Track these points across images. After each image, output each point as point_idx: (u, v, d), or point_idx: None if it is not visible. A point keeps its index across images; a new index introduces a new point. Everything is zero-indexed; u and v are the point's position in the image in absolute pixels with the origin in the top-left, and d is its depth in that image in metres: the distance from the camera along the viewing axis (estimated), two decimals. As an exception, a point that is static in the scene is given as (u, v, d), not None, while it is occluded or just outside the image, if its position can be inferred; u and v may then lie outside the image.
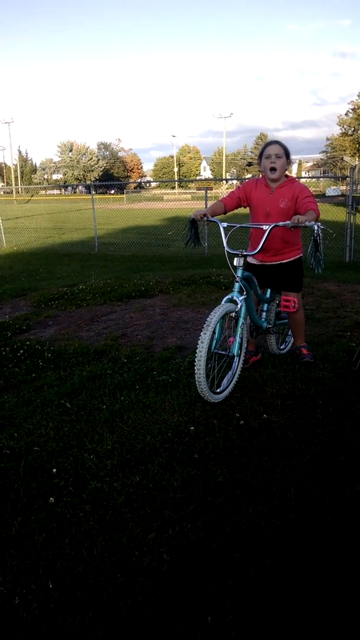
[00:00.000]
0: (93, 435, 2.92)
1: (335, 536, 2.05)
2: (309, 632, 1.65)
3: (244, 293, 3.27)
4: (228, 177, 74.58)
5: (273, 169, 3.40)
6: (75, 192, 67.97)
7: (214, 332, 3.08)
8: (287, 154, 3.44)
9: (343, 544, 2.01)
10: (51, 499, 2.34)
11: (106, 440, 2.84)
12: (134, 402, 3.29)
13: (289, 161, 3.47)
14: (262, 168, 3.47)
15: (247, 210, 3.69)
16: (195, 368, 3.00)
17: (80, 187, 68.75)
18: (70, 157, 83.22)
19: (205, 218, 3.48)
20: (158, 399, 3.32)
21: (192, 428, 2.87)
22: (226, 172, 79.33)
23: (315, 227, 3.10)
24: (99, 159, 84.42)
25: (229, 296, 3.24)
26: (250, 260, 3.65)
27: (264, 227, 3.28)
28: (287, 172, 3.57)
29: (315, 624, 1.68)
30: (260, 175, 3.60)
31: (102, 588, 1.87)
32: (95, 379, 3.81)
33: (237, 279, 3.26)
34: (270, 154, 3.40)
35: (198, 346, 3.01)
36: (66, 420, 3.11)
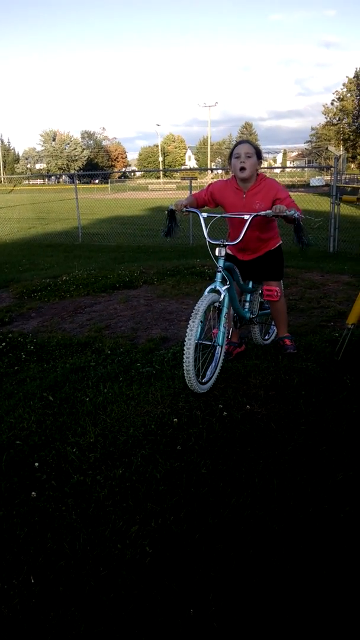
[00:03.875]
0: (76, 428, 2.90)
1: (317, 526, 2.06)
2: (290, 621, 1.66)
3: (227, 283, 3.26)
4: (213, 166, 74.25)
5: (242, 169, 3.33)
6: (59, 182, 67.18)
7: (200, 322, 3.07)
8: (257, 153, 3.39)
9: (324, 534, 2.02)
10: (33, 493, 2.32)
11: (89, 433, 2.82)
12: (117, 395, 3.27)
13: (259, 161, 3.43)
14: (232, 168, 3.40)
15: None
16: (184, 357, 2.99)
17: (63, 176, 68.04)
18: (54, 147, 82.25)
19: (185, 209, 3.48)
20: (141, 390, 3.31)
21: (176, 420, 2.86)
22: (211, 161, 79.04)
23: (296, 215, 3.11)
24: (83, 149, 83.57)
25: (211, 286, 3.23)
26: (230, 252, 3.63)
27: (245, 217, 3.26)
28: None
29: (297, 613, 1.69)
30: (231, 176, 3.55)
31: (85, 582, 1.86)
32: (78, 372, 3.78)
33: (219, 269, 3.25)
34: (240, 153, 3.34)
35: (187, 334, 2.99)
36: (49, 413, 3.09)
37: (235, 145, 3.42)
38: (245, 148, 3.35)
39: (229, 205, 3.49)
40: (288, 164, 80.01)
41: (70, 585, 1.85)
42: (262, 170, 3.65)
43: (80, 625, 1.68)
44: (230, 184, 3.49)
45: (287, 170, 54.69)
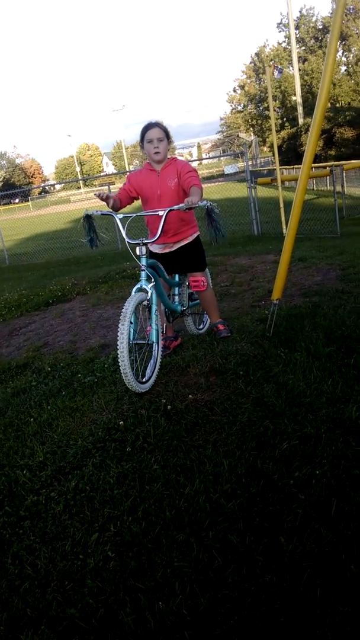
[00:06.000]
0: (24, 450, 2.86)
1: (270, 497, 2.13)
2: (256, 598, 1.72)
3: (152, 280, 3.29)
4: (132, 169, 74.25)
5: (157, 153, 3.46)
6: (-23, 207, 65.12)
7: (131, 323, 3.09)
8: (167, 135, 3.50)
9: (277, 503, 2.09)
10: (-13, 523, 2.28)
11: (37, 452, 2.78)
12: (61, 409, 3.24)
13: (169, 141, 3.54)
14: (146, 152, 3.51)
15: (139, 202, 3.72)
16: (119, 360, 2.99)
17: (-19, 201, 65.99)
18: (-35, 172, 79.78)
19: (100, 212, 3.50)
20: (85, 400, 3.29)
21: (122, 423, 2.87)
22: (129, 164, 78.94)
23: (208, 205, 3.20)
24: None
25: (137, 286, 3.26)
26: (152, 249, 3.67)
27: (160, 213, 3.31)
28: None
29: (261, 588, 1.75)
30: (144, 163, 3.64)
31: (51, 599, 1.85)
32: (19, 394, 3.72)
33: (143, 267, 3.28)
34: (152, 138, 3.44)
35: (118, 338, 3.00)
36: (-6, 441, 3.03)
37: (146, 130, 3.49)
38: (156, 133, 3.45)
39: (146, 187, 3.58)
40: (204, 156, 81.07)
41: (36, 605, 1.83)
42: None
43: (52, 642, 1.68)
44: (145, 168, 3.63)
45: (205, 162, 55.35)
